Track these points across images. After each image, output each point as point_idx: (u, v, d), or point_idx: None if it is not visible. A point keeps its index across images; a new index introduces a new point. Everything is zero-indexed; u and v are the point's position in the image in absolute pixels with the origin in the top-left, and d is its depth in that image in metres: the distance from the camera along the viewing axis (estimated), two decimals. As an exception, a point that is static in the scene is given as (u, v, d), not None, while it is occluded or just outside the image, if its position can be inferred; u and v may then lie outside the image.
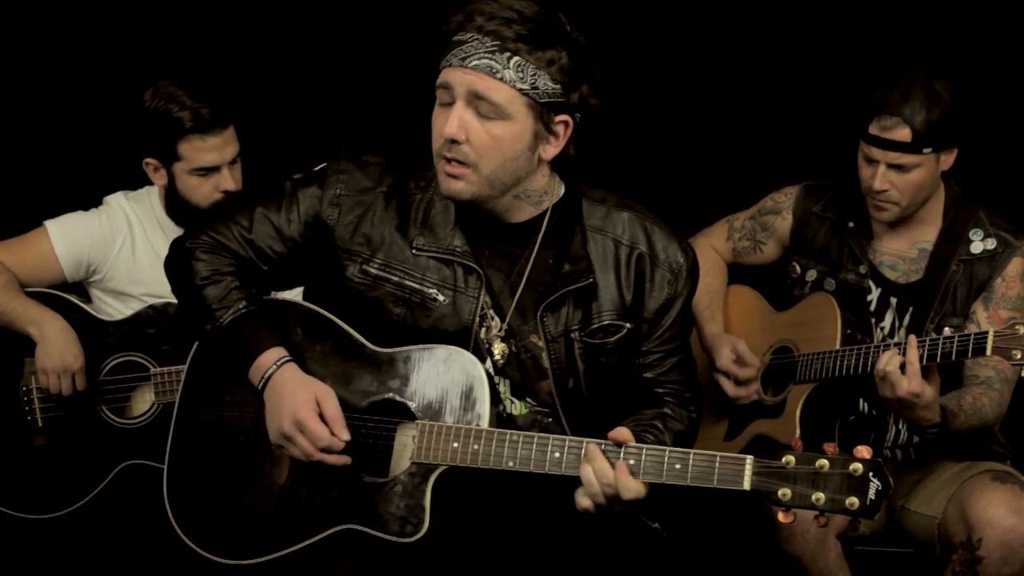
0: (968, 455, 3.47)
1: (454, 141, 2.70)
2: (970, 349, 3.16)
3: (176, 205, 3.65)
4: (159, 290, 3.63)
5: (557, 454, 2.68)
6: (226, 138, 3.60)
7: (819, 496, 2.53)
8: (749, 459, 2.58)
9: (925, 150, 3.38)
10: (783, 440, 3.39)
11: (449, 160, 2.73)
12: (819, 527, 2.60)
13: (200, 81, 3.60)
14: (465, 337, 2.82)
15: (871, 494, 2.51)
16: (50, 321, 3.54)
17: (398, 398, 2.80)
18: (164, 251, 3.61)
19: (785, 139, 4.28)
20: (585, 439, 2.67)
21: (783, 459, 2.57)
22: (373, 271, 2.85)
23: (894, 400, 3.22)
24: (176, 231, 3.67)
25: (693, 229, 3.85)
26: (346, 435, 2.75)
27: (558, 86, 2.71)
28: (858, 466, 2.52)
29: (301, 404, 2.74)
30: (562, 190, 2.88)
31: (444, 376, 2.77)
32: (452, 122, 2.70)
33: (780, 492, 2.55)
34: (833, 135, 3.84)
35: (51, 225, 3.67)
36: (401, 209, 2.86)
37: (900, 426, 3.54)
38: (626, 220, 2.88)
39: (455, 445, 2.72)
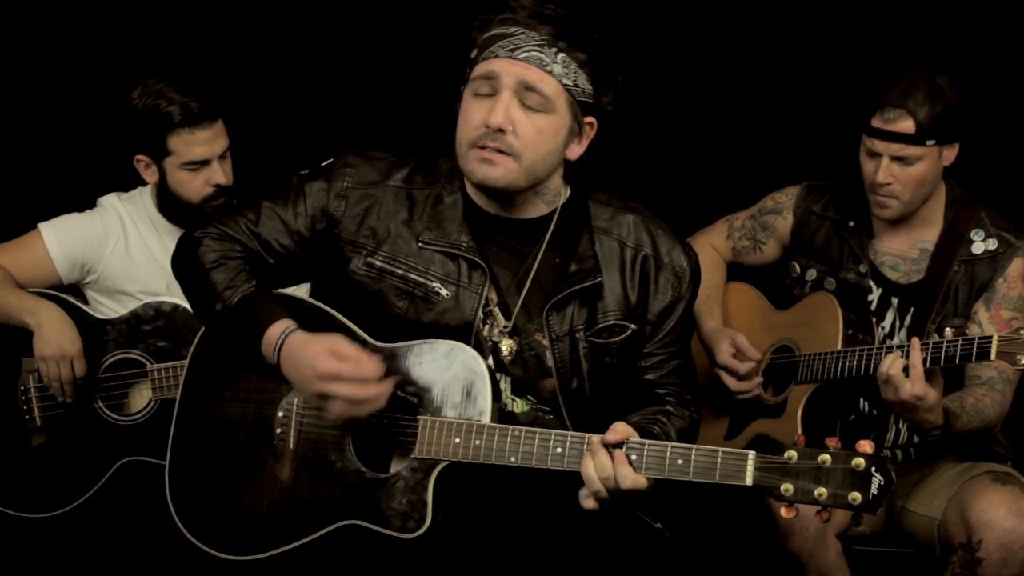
0: (968, 456, 3.47)
1: (500, 130, 2.72)
2: (974, 353, 3.17)
3: (168, 202, 3.65)
4: (154, 288, 3.65)
5: (559, 449, 2.68)
6: (215, 132, 3.61)
7: (821, 491, 2.53)
8: (751, 454, 2.58)
9: (928, 142, 3.38)
10: (784, 440, 3.35)
11: (486, 148, 2.74)
12: (822, 522, 2.59)
13: (188, 76, 3.61)
14: (466, 332, 2.82)
15: (873, 489, 2.51)
16: (45, 310, 3.54)
17: (399, 393, 2.79)
18: (157, 249, 3.67)
19: (785, 140, 4.28)
20: (588, 434, 2.67)
21: (785, 454, 2.57)
22: (378, 263, 2.85)
23: (897, 403, 3.22)
24: (169, 228, 3.68)
25: (693, 229, 3.85)
26: (374, 360, 2.69)
27: (591, 87, 2.78)
28: (860, 461, 2.52)
29: (318, 357, 2.69)
30: (568, 192, 2.91)
31: (446, 371, 2.77)
32: (499, 111, 2.72)
33: (782, 487, 2.55)
34: (833, 136, 3.84)
35: (45, 227, 3.67)
36: (408, 203, 2.87)
37: (900, 426, 3.54)
38: (631, 223, 2.90)
39: (457, 440, 2.72)
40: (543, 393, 2.86)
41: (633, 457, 2.63)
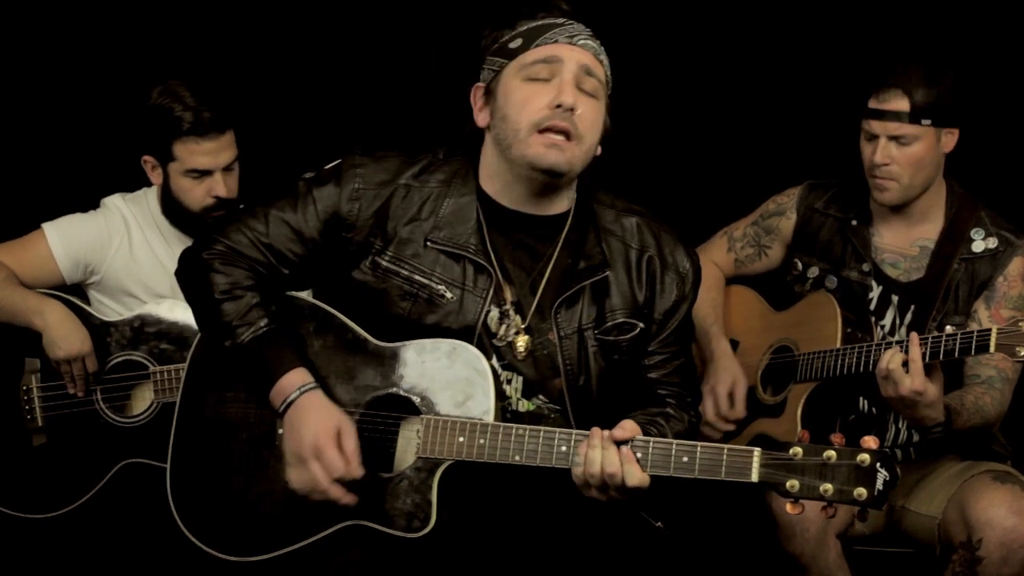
0: (968, 455, 3.47)
1: (571, 109, 2.74)
2: (973, 346, 3.16)
3: (170, 206, 3.65)
4: (157, 289, 3.65)
5: (564, 447, 2.68)
6: (222, 143, 3.59)
7: (827, 487, 2.54)
8: (757, 451, 2.59)
9: (924, 121, 3.40)
10: (784, 440, 3.38)
11: (552, 130, 2.75)
12: (827, 518, 2.60)
13: (208, 85, 3.60)
14: (468, 336, 2.82)
15: (879, 484, 2.52)
16: (51, 310, 3.53)
17: (402, 393, 2.79)
18: (161, 250, 3.66)
19: (785, 143, 4.28)
20: (593, 428, 2.68)
21: (791, 451, 2.58)
22: (384, 263, 2.84)
23: (897, 399, 3.22)
24: (172, 232, 3.68)
25: (693, 231, 3.84)
26: (360, 471, 2.71)
27: (610, 87, 2.86)
28: (865, 457, 2.53)
29: (323, 432, 2.71)
30: (574, 193, 2.92)
31: (448, 370, 2.77)
32: (568, 91, 2.76)
33: (788, 483, 2.56)
34: (833, 138, 3.85)
35: (48, 228, 3.67)
36: (419, 202, 2.86)
37: (900, 425, 3.55)
38: (635, 224, 2.94)
39: (460, 439, 2.72)
40: (553, 392, 2.87)
41: (639, 455, 2.64)
